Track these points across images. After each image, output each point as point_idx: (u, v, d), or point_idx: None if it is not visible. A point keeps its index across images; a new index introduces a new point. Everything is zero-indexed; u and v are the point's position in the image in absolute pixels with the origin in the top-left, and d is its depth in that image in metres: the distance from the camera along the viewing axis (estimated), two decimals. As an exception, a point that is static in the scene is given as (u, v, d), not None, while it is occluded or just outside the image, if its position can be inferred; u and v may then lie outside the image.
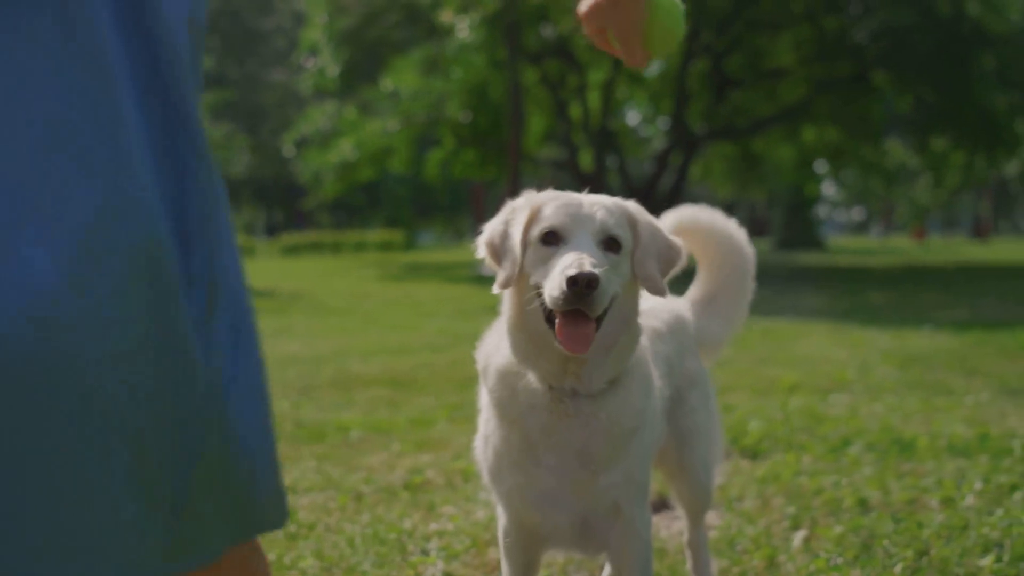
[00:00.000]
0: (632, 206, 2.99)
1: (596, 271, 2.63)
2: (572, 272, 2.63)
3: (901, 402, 7.54)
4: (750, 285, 4.03)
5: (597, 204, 2.87)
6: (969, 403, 7.49)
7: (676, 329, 3.50)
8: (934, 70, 28.68)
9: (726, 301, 3.98)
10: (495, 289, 2.87)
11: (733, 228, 4.00)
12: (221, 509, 1.86)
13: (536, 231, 2.85)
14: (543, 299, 2.73)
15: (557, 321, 2.70)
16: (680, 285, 3.48)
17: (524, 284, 2.85)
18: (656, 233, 2.97)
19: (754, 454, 6.00)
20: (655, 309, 3.40)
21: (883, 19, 28.78)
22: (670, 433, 3.50)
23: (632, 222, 2.93)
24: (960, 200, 77.91)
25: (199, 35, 1.88)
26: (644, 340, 3.11)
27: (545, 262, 2.78)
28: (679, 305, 3.71)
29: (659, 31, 2.40)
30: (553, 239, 2.82)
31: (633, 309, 2.92)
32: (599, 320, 2.75)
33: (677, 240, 3.02)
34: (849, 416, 7.01)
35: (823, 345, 11.30)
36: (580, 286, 2.62)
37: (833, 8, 30.05)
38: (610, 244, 2.82)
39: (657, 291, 2.88)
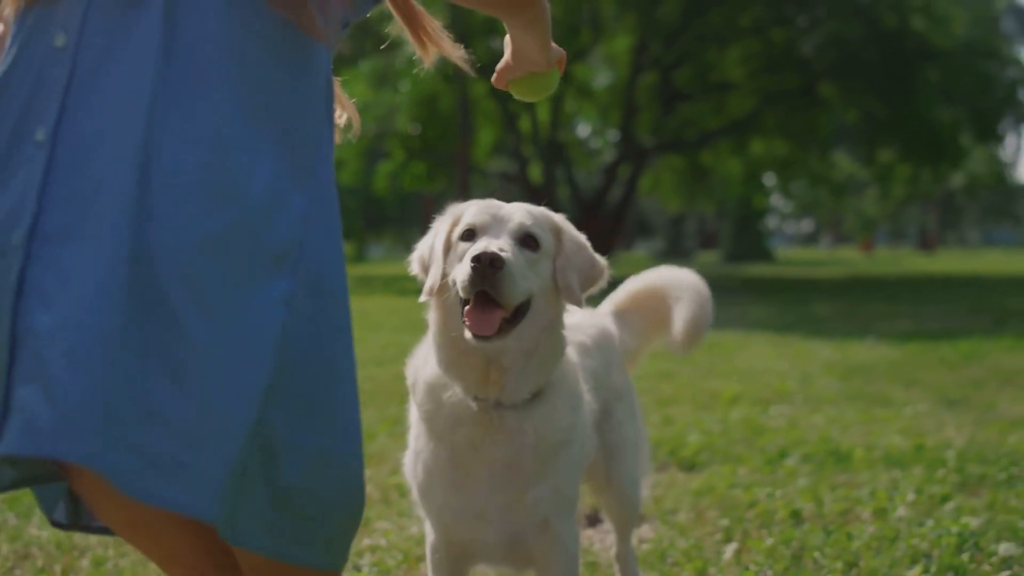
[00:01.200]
0: (558, 217, 3.02)
1: (502, 253, 2.67)
2: (476, 252, 2.67)
3: (840, 413, 7.59)
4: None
5: (517, 207, 2.92)
6: (908, 414, 7.55)
7: (602, 344, 3.51)
8: (880, 83, 28.94)
9: (643, 319, 3.99)
10: (423, 297, 2.89)
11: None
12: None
13: (456, 232, 2.87)
14: (457, 290, 2.76)
15: (466, 307, 2.72)
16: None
17: (444, 296, 2.87)
18: (581, 247, 3.00)
19: (691, 466, 6.01)
20: (581, 324, 3.40)
21: (830, 32, 29.04)
22: (599, 447, 3.50)
23: (556, 230, 2.96)
24: (907, 212, 78.49)
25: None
26: (573, 355, 3.12)
27: (461, 258, 2.79)
28: (605, 319, 3.71)
29: (525, 91, 2.69)
30: (471, 237, 2.85)
31: (556, 317, 2.93)
32: (518, 317, 2.78)
33: (602, 260, 3.03)
34: (788, 427, 7.04)
35: (766, 357, 11.35)
36: (483, 264, 2.66)
37: (780, 21, 30.26)
38: (527, 241, 2.85)
39: (574, 301, 2.90)
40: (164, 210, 1.85)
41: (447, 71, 29.65)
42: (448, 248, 2.90)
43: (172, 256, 1.84)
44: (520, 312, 2.79)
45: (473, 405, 2.86)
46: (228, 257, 1.90)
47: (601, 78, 36.24)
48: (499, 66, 2.65)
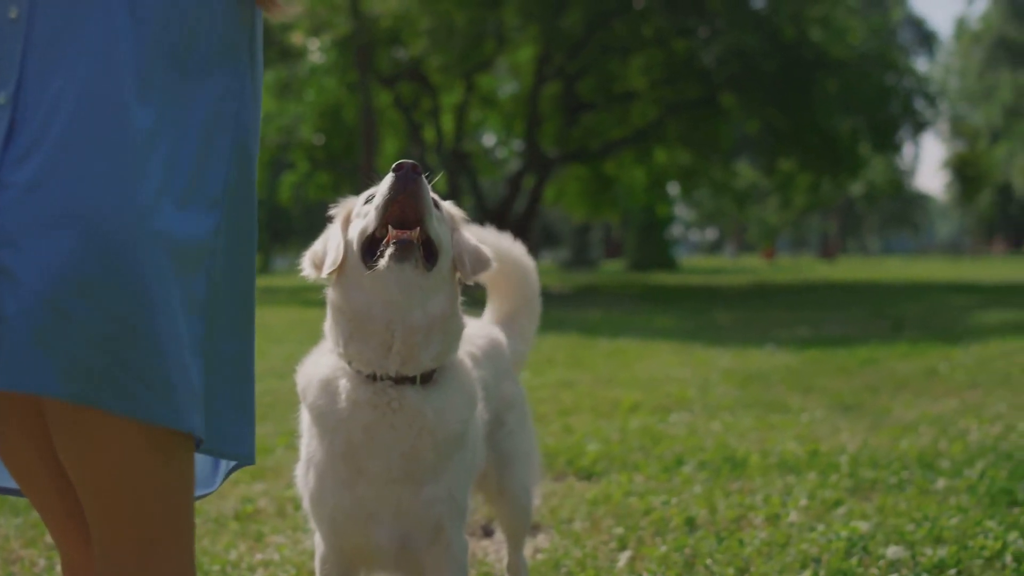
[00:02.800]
0: (454, 207, 3.09)
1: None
2: (396, 164, 2.77)
3: (737, 420, 7.66)
4: (539, 303, 4.10)
5: None
6: (804, 420, 7.64)
7: (492, 353, 3.51)
8: (779, 93, 29.32)
9: (524, 321, 4.02)
10: (325, 269, 2.89)
11: (519, 252, 4.05)
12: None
13: (358, 204, 2.95)
14: (365, 233, 2.82)
15: (386, 238, 2.78)
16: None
17: (345, 267, 2.88)
18: (470, 239, 3.07)
19: (588, 475, 6.03)
20: (470, 335, 3.39)
21: (730, 43, 29.33)
22: (490, 456, 3.51)
23: (450, 216, 3.03)
24: (808, 220, 79.65)
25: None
26: (468, 361, 3.13)
27: (366, 215, 2.87)
28: (494, 330, 3.72)
29: None
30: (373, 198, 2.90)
31: (456, 292, 2.97)
32: (430, 261, 2.81)
33: (488, 251, 3.08)
34: (686, 435, 7.09)
35: (667, 365, 11.43)
36: (406, 169, 2.74)
37: (682, 32, 30.54)
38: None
39: (464, 274, 2.98)
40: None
41: (350, 80, 29.65)
42: (347, 224, 2.94)
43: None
44: (430, 259, 2.82)
45: (371, 388, 2.85)
46: (183, 218, 2.11)
47: (505, 88, 36.34)
48: None
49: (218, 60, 2.25)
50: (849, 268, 53.47)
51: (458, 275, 2.99)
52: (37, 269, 1.93)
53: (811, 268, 55.19)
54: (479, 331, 3.55)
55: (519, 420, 3.66)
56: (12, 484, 2.54)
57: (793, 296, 26.87)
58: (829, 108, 29.66)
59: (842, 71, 30.16)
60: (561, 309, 21.10)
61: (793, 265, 63.09)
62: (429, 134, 32.74)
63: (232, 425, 2.28)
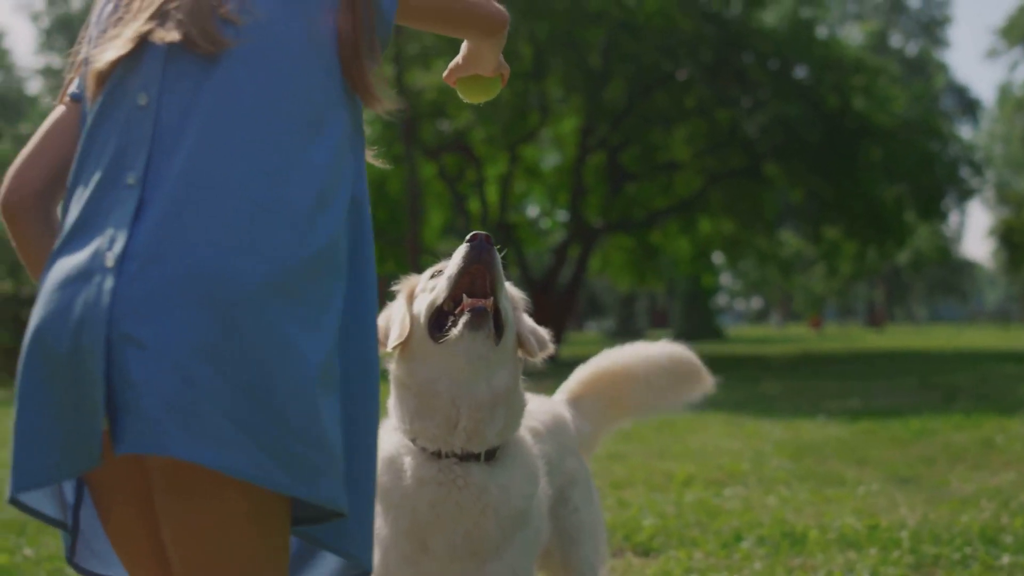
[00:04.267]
0: (514, 288, 3.13)
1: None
2: (469, 235, 2.83)
3: (793, 494, 7.57)
4: (628, 401, 4.07)
5: None
6: (860, 493, 7.54)
7: (555, 429, 3.50)
8: (823, 162, 29.31)
9: (592, 400, 3.99)
10: (391, 344, 2.93)
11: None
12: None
13: (424, 279, 3.03)
14: (434, 305, 2.89)
15: (457, 309, 2.83)
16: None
17: (410, 342, 2.92)
18: (529, 319, 3.12)
19: (647, 551, 5.96)
20: (533, 411, 3.39)
21: (773, 113, 29.38)
22: (554, 533, 3.48)
23: (512, 296, 3.06)
24: (855, 288, 79.23)
25: None
26: (530, 437, 3.13)
27: (434, 289, 2.94)
28: (557, 406, 3.70)
29: (469, 91, 2.87)
30: (439, 273, 2.96)
31: (518, 367, 3.00)
32: (498, 334, 2.85)
33: (545, 332, 3.11)
34: (743, 509, 7.02)
35: (718, 436, 11.34)
36: (480, 239, 2.80)
37: (725, 102, 30.60)
38: None
39: (530, 349, 3.02)
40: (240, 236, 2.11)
41: (395, 153, 29.85)
42: (411, 300, 2.99)
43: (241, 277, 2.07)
44: (497, 331, 2.86)
45: (436, 465, 2.85)
46: (299, 284, 2.13)
47: (549, 159, 36.50)
48: (451, 64, 2.85)
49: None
50: (897, 336, 53.07)
51: (520, 353, 3.00)
52: (161, 336, 1.99)
53: (859, 337, 54.81)
54: (542, 406, 3.55)
55: (584, 496, 3.63)
56: (112, 572, 2.55)
57: (842, 366, 26.65)
58: (873, 176, 29.65)
59: (886, 139, 30.15)
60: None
61: (841, 334, 62.70)
62: (474, 205, 32.87)
63: (350, 522, 2.23)
